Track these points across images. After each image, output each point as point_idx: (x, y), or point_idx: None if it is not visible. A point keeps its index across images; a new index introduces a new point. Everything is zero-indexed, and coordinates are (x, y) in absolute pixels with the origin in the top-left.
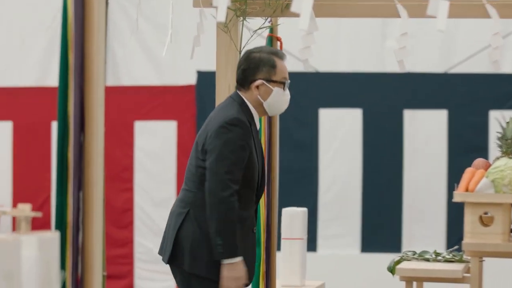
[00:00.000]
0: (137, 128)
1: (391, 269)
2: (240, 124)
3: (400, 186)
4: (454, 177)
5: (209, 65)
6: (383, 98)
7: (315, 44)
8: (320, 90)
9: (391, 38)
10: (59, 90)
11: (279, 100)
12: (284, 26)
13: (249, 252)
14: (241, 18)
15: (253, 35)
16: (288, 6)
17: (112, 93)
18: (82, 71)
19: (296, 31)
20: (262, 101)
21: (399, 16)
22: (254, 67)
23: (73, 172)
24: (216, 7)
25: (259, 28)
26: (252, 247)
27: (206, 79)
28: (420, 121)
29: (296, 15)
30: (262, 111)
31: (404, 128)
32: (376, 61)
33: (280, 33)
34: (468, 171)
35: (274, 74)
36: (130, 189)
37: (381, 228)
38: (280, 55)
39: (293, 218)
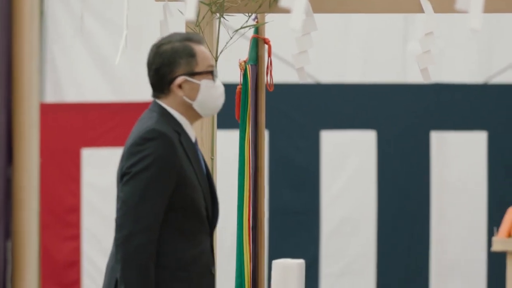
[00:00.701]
0: (85, 157)
1: None
2: (158, 137)
3: (426, 230)
4: (496, 218)
5: None
6: (404, 117)
7: (314, 48)
8: (322, 106)
9: (413, 40)
10: None
11: (211, 95)
12: (273, 25)
13: None
14: (218, 14)
15: (233, 36)
16: None
17: (52, 112)
18: (9, 83)
19: (288, 31)
20: (191, 101)
21: (422, 11)
22: (169, 63)
23: None
24: (184, 1)
25: (241, 28)
26: None
27: None
28: (452, 145)
29: (288, 10)
30: (193, 114)
31: (431, 155)
32: (395, 70)
33: (268, 33)
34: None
35: (196, 65)
36: (76, 237)
37: (402, 285)
38: (196, 39)
39: (286, 273)
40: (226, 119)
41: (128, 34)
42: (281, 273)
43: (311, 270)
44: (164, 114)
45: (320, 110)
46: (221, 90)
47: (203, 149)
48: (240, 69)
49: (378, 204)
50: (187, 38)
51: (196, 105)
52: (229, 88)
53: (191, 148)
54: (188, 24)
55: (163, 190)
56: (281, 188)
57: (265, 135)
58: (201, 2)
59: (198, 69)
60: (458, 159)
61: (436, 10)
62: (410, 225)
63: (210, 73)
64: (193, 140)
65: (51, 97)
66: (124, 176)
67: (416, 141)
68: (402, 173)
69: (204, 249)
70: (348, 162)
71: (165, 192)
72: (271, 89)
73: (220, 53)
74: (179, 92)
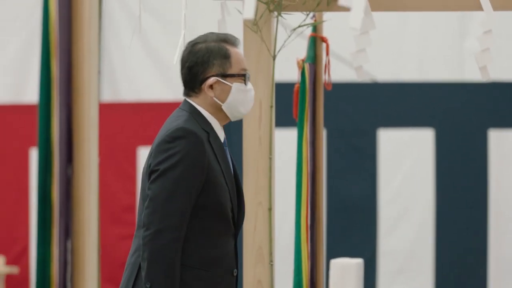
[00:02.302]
0: (142, 156)
1: None
2: (187, 136)
3: (485, 228)
4: None
5: None
6: (462, 115)
7: (372, 47)
8: (380, 105)
9: (471, 37)
10: (39, 108)
11: (241, 98)
12: (331, 23)
13: None
14: (276, 13)
15: (291, 34)
16: None
17: (109, 111)
18: (69, 83)
19: (346, 30)
20: (220, 103)
21: (481, 9)
22: (203, 62)
23: (59, 214)
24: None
25: (299, 26)
26: None
27: None
28: (510, 143)
29: (346, 9)
30: (222, 116)
31: (489, 153)
32: (452, 68)
33: (326, 32)
34: None
35: (230, 67)
36: (133, 236)
37: (460, 283)
38: (231, 41)
39: (344, 272)
40: (284, 117)
41: (185, 33)
42: (339, 273)
43: (369, 268)
44: (194, 113)
45: (378, 108)
46: (251, 94)
47: (262, 148)
48: (298, 67)
49: (436, 202)
50: (223, 39)
51: (225, 107)
52: (287, 87)
53: (220, 148)
54: (246, 23)
55: (190, 189)
56: (339, 186)
57: (323, 134)
58: (259, 0)
59: (231, 71)
60: None
61: (495, 8)
62: (468, 223)
63: (243, 76)
64: (222, 140)
65: (107, 96)
66: (152, 173)
67: (474, 139)
68: (460, 172)
69: (228, 250)
70: (405, 160)
71: (193, 191)
72: (329, 88)
73: (278, 51)
74: (210, 93)
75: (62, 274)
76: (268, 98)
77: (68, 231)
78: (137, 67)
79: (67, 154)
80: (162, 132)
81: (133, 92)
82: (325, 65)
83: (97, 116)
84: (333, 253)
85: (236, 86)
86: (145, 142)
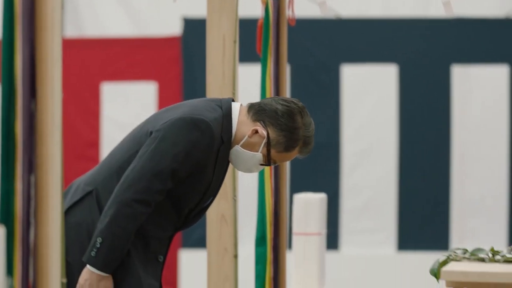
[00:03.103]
0: (106, 92)
1: (436, 272)
2: (206, 131)
3: (447, 164)
4: None
5: (198, 10)
6: (425, 51)
7: None
8: (343, 41)
9: None
10: (2, 44)
11: (247, 162)
12: None
13: (146, 282)
14: None
15: None
16: None
17: (73, 47)
18: (32, 18)
19: None
20: (238, 144)
21: None
22: (281, 124)
23: (22, 150)
24: None
25: None
26: (155, 278)
27: (194, 29)
28: (473, 79)
29: None
30: (232, 144)
31: (452, 89)
32: (416, 4)
33: None
34: None
35: (277, 151)
36: None
37: (423, 219)
38: (305, 151)
39: (308, 206)
40: (247, 53)
41: None
42: (302, 207)
43: (333, 204)
44: (227, 118)
45: (341, 44)
46: (253, 170)
47: (225, 83)
48: (262, 3)
49: (399, 137)
50: (306, 143)
51: (236, 148)
52: (251, 22)
53: (224, 161)
54: None
55: (178, 175)
56: None
57: (287, 69)
58: None
59: (273, 153)
60: (479, 93)
61: None
62: (431, 160)
63: (268, 162)
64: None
65: (71, 32)
66: (157, 140)
67: (437, 75)
68: (423, 107)
69: (163, 236)
70: (369, 96)
71: (177, 178)
72: (293, 24)
73: None
74: (250, 132)
75: (26, 209)
76: (232, 33)
77: (31, 166)
78: (101, 2)
79: (30, 89)
80: (188, 109)
81: (97, 28)
82: (289, 0)
83: (60, 51)
84: (296, 189)
85: (259, 156)
86: (108, 78)
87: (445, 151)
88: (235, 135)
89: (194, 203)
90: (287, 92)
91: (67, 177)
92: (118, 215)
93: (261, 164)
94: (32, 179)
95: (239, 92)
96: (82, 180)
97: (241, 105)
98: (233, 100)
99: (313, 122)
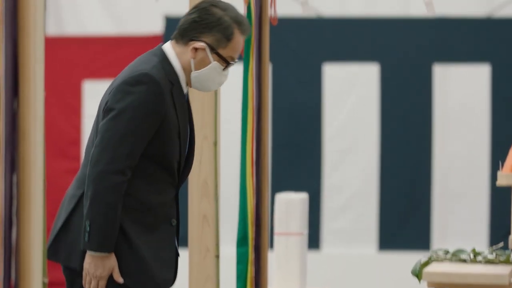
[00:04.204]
0: (87, 90)
1: (417, 273)
2: (149, 83)
3: (428, 164)
4: (499, 152)
5: (180, 9)
6: (407, 50)
7: None
8: (325, 40)
9: None
10: None
11: (212, 78)
12: None
13: (162, 250)
14: None
15: None
16: None
17: (54, 45)
18: (14, 16)
19: None
20: (191, 69)
21: None
22: (207, 25)
23: (4, 148)
24: None
25: None
26: (170, 244)
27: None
28: (455, 78)
29: None
30: (187, 79)
31: (433, 88)
32: (398, 3)
33: None
34: None
35: (223, 48)
36: (77, 170)
37: (404, 220)
38: (244, 29)
39: (289, 207)
40: None
41: None
42: (284, 207)
43: (314, 203)
44: (164, 62)
45: (323, 43)
46: (223, 80)
47: None
48: (244, 2)
49: (381, 137)
50: (238, 21)
51: (193, 75)
52: None
53: (181, 101)
54: None
55: (143, 135)
56: (284, 121)
57: (269, 68)
58: None
59: (222, 52)
60: (460, 92)
61: None
62: (413, 158)
63: (227, 63)
64: (185, 92)
65: (52, 30)
66: (108, 112)
67: (419, 74)
68: (404, 106)
69: (168, 199)
70: (350, 94)
71: (144, 137)
72: (275, 23)
73: None
74: (191, 53)
75: (8, 208)
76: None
77: (13, 165)
78: (83, 0)
79: (12, 87)
80: (126, 72)
81: (79, 26)
82: None
83: (43, 51)
84: (278, 188)
85: (215, 65)
86: (90, 76)
87: (427, 150)
88: (183, 68)
89: (177, 153)
90: (269, 91)
91: (49, 176)
92: (96, 193)
93: (224, 69)
94: (15, 178)
95: (221, 91)
96: (71, 187)
97: (170, 42)
98: (173, 40)
99: (230, 4)
